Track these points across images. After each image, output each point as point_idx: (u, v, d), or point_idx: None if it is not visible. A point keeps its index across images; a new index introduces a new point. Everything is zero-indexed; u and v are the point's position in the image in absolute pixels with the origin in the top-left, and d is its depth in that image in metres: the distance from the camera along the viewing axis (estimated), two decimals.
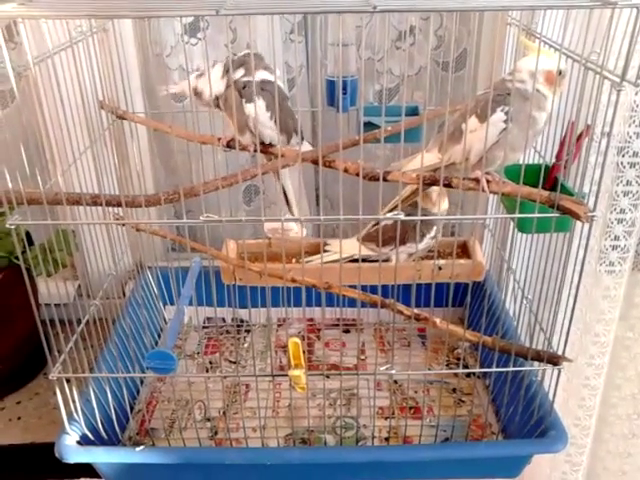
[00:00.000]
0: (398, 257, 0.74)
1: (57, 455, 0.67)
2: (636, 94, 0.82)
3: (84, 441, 0.70)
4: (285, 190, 0.83)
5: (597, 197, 0.59)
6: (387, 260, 0.85)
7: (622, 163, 0.88)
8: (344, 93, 0.83)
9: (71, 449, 0.68)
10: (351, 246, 0.84)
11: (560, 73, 0.62)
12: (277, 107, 0.66)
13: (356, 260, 0.83)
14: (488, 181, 0.63)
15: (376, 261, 0.82)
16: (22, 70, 0.59)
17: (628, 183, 0.89)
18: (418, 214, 0.62)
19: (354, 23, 0.94)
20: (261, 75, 0.73)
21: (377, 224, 0.84)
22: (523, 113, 0.62)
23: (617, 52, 0.52)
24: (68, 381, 0.68)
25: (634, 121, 0.84)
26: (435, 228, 0.83)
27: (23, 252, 0.64)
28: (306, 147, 0.79)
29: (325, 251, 0.86)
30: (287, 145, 0.77)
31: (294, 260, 0.89)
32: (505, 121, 0.62)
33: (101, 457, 0.69)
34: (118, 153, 0.88)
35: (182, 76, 0.98)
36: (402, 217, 0.59)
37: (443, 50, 1.00)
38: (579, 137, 0.66)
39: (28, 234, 0.84)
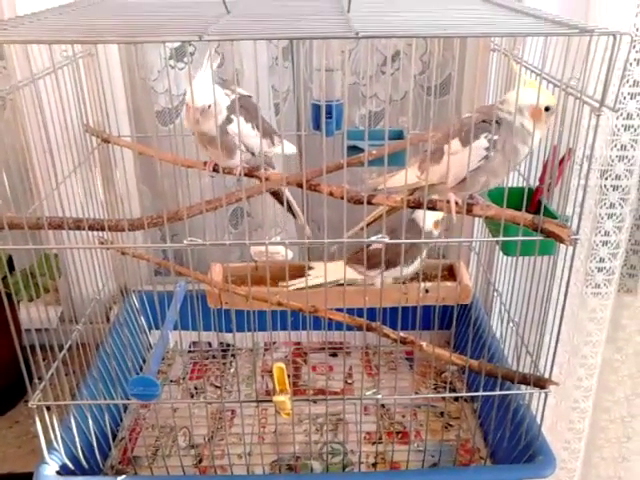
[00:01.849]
0: (383, 280, 0.73)
1: None
2: (617, 119, 0.83)
3: (64, 471, 0.68)
4: (289, 203, 0.82)
5: (580, 219, 0.59)
6: (372, 285, 0.84)
7: (605, 186, 0.89)
8: (329, 117, 0.84)
9: None
10: (336, 270, 0.84)
11: (547, 109, 0.61)
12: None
13: (341, 284, 0.82)
14: (456, 203, 0.63)
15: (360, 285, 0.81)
16: (5, 94, 0.59)
17: (612, 206, 0.90)
18: (403, 237, 0.62)
19: (339, 48, 0.95)
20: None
21: (368, 246, 0.83)
22: (508, 144, 0.62)
23: (596, 78, 0.53)
24: (49, 409, 0.66)
25: (616, 145, 0.85)
26: (425, 252, 0.83)
27: (4, 278, 0.63)
28: (288, 147, 0.79)
29: (309, 274, 0.85)
30: (272, 147, 0.77)
31: (281, 283, 0.89)
32: (487, 148, 0.62)
33: None
34: (104, 177, 0.88)
35: (167, 100, 0.99)
36: (387, 240, 0.59)
37: (428, 75, 1.01)
38: (561, 160, 0.67)
39: (10, 258, 0.83)
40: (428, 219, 0.81)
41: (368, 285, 0.82)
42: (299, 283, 0.85)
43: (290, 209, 0.83)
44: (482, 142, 0.62)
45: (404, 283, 0.86)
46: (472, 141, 0.61)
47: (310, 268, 0.86)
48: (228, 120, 0.69)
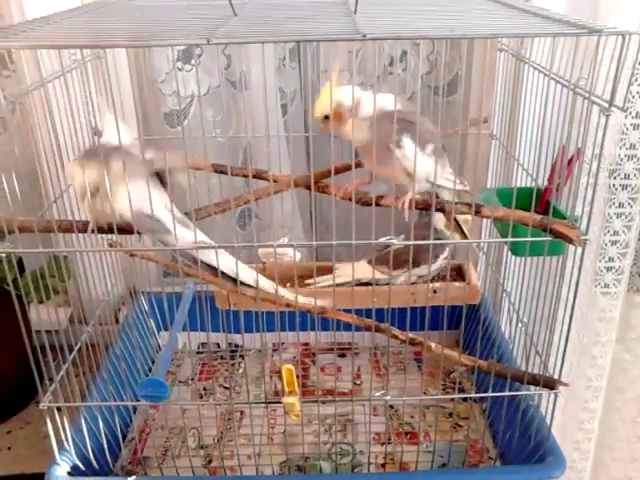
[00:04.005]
0: (409, 280, 0.73)
1: None
2: (626, 117, 0.82)
3: (75, 472, 0.69)
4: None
5: (589, 219, 0.59)
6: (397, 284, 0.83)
7: (614, 185, 0.89)
8: None
9: None
10: (361, 269, 0.84)
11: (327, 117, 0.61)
12: None
13: (364, 284, 0.82)
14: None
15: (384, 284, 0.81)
16: (15, 98, 0.59)
17: (620, 205, 0.90)
18: (411, 238, 0.62)
19: (346, 49, 0.95)
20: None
21: (387, 246, 0.83)
22: None
23: (605, 77, 0.53)
24: (59, 410, 0.67)
25: (624, 144, 0.85)
26: (448, 249, 0.83)
27: (14, 280, 0.64)
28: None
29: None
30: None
31: (289, 284, 0.89)
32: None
33: None
34: None
35: (175, 102, 0.99)
36: (395, 242, 0.59)
37: (435, 75, 1.01)
38: (570, 160, 0.67)
39: (20, 260, 0.84)
40: (438, 219, 0.81)
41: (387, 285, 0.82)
42: (325, 281, 0.85)
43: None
44: None
45: (413, 283, 0.86)
46: None
47: (336, 268, 0.86)
48: None
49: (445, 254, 0.84)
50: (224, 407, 0.88)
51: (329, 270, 0.85)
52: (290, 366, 0.65)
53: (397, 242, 0.59)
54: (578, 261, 0.60)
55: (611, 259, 0.94)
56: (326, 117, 0.61)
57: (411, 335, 0.71)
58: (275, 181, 0.68)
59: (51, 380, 0.66)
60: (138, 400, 0.79)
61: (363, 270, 0.83)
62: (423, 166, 0.61)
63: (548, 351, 0.67)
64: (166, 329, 0.99)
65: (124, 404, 0.81)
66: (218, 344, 1.01)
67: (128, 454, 0.80)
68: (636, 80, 0.81)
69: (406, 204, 0.62)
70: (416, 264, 0.80)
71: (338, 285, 0.83)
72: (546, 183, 0.73)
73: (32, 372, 0.64)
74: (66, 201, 0.68)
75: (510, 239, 0.62)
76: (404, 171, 0.62)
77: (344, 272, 0.85)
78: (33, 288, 0.71)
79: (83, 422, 0.70)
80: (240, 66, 0.97)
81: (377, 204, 0.62)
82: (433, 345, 0.71)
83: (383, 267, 0.83)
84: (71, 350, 0.69)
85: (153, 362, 0.97)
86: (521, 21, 0.58)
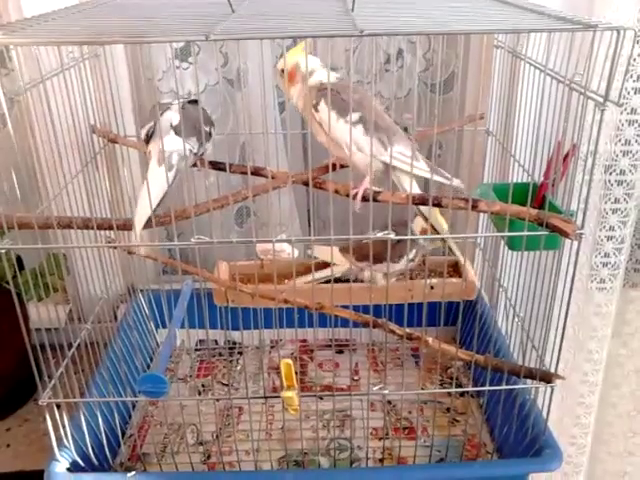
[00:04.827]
0: (373, 275, 0.75)
1: None
2: (621, 114, 0.83)
3: (74, 468, 0.69)
4: None
5: (585, 214, 0.59)
6: (360, 280, 0.85)
7: (609, 181, 0.89)
8: None
9: (61, 476, 0.67)
10: (335, 256, 0.85)
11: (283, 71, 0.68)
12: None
13: (343, 280, 0.83)
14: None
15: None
16: (14, 95, 0.59)
17: (616, 201, 0.91)
18: (408, 234, 0.62)
19: (343, 46, 0.95)
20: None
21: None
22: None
23: (600, 73, 0.53)
24: (58, 407, 0.67)
25: (620, 140, 0.85)
26: (414, 251, 0.83)
27: (14, 277, 0.64)
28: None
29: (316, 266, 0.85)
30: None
31: (286, 281, 0.89)
32: None
33: None
34: (110, 176, 0.89)
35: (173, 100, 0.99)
36: (393, 236, 0.60)
37: (432, 72, 1.02)
38: (566, 156, 0.67)
39: (19, 258, 0.84)
40: (417, 224, 0.81)
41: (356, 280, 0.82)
42: (304, 280, 0.85)
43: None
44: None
45: (411, 278, 0.86)
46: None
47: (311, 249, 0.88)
48: None
49: (411, 256, 0.83)
50: (222, 403, 0.88)
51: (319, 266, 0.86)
52: (289, 361, 0.66)
53: (394, 236, 0.59)
54: (574, 256, 0.61)
55: (607, 254, 0.94)
56: (283, 71, 0.68)
57: (408, 330, 0.71)
58: (273, 178, 0.69)
59: (50, 377, 0.66)
60: (137, 396, 0.80)
61: (335, 256, 0.85)
62: (341, 132, 0.64)
63: (544, 346, 0.67)
64: (164, 326, 1.00)
65: (123, 400, 0.81)
66: (216, 341, 1.01)
67: (127, 450, 0.80)
68: (631, 76, 0.82)
69: (359, 194, 0.65)
70: (379, 260, 0.79)
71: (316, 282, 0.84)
72: (542, 179, 0.74)
73: (31, 369, 0.64)
74: (65, 198, 0.68)
75: (507, 233, 0.63)
76: (330, 138, 0.65)
77: (319, 255, 0.87)
78: (32, 286, 0.72)
79: (82, 419, 0.70)
80: (237, 63, 0.97)
81: (375, 200, 0.63)
82: (430, 340, 0.71)
83: (350, 256, 0.84)
84: (70, 347, 0.70)
85: (152, 359, 0.97)
86: (517, 17, 0.59)
